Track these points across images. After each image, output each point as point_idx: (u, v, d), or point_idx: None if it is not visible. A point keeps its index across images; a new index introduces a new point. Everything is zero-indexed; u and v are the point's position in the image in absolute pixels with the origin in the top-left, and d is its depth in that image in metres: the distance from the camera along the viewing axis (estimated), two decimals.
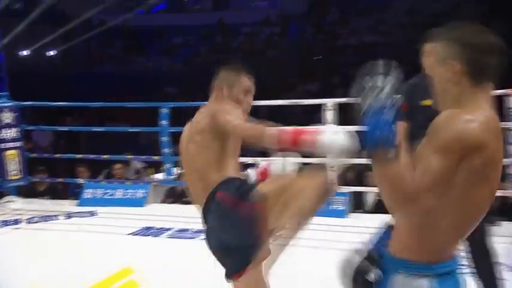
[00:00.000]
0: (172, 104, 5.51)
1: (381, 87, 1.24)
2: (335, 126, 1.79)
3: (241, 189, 2.05)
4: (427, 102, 2.65)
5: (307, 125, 5.23)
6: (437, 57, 1.48)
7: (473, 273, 2.64)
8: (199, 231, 4.46)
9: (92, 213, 5.28)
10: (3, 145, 5.64)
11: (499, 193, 4.14)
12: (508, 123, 3.76)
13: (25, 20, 13.37)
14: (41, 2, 14.53)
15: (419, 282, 1.32)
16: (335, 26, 17.32)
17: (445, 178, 1.26)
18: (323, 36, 17.01)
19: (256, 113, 9.62)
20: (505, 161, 3.62)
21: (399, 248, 1.39)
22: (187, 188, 2.22)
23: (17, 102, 5.86)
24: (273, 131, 1.84)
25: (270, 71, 15.74)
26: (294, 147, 1.81)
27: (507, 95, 3.82)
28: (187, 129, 2.21)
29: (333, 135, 1.77)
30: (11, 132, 5.72)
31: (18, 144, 5.78)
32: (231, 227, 2.00)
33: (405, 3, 16.22)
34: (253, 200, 1.99)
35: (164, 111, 5.31)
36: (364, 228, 4.22)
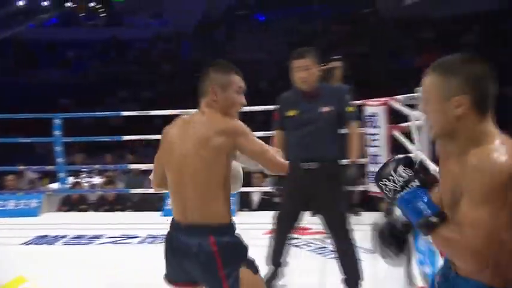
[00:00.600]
0: (63, 115, 5.25)
1: (398, 177, 1.27)
2: None
3: (235, 252, 1.82)
4: (291, 112, 2.88)
5: None
6: (438, 94, 1.27)
7: (336, 256, 2.89)
8: (95, 237, 4.30)
9: None
10: None
11: (360, 188, 4.50)
12: (367, 129, 4.07)
13: None
14: None
15: None
16: (223, 43, 17.57)
17: (504, 225, 1.17)
18: (213, 51, 17.18)
19: (153, 121, 9.48)
20: (363, 160, 3.92)
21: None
22: (174, 196, 1.90)
23: None
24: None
25: (166, 83, 15.57)
26: None
27: (364, 105, 4.14)
28: (185, 136, 1.84)
29: None
30: None
31: None
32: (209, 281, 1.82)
33: (283, 23, 16.92)
34: (236, 277, 1.78)
35: (57, 121, 5.04)
36: (251, 224, 4.34)
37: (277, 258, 3.03)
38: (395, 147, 3.98)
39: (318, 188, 2.83)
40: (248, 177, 5.90)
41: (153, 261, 3.60)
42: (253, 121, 10.82)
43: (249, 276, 1.79)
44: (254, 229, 4.17)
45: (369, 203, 4.80)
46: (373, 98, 4.16)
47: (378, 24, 15.40)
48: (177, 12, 18.00)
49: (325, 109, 2.80)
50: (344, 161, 2.96)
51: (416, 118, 3.56)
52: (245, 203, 5.25)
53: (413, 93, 4.13)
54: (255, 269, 1.82)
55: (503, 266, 1.22)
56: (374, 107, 4.05)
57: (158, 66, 16.78)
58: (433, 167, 2.14)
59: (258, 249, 3.65)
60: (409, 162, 1.30)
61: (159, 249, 3.98)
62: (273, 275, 3.02)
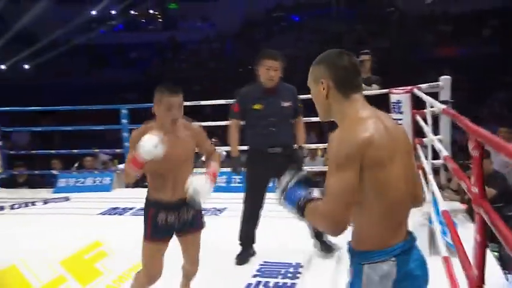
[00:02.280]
0: (129, 106, 5.37)
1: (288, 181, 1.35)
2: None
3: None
4: (257, 106, 2.89)
5: None
6: (311, 78, 1.35)
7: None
8: None
9: (66, 199, 5.04)
10: None
11: None
12: (392, 114, 3.94)
13: (1, 40, 12.49)
14: (13, 26, 13.63)
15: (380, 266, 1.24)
16: (262, 42, 17.43)
17: (350, 190, 1.18)
18: (253, 50, 17.08)
19: (202, 111, 9.55)
20: None
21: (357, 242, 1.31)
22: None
23: None
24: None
25: (212, 78, 15.67)
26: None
27: (390, 93, 4.01)
28: None
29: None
30: None
31: None
32: None
33: (315, 23, 16.61)
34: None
35: (124, 112, 5.15)
36: None
37: (251, 237, 3.04)
38: (418, 130, 3.84)
39: (281, 168, 2.82)
40: None
41: (207, 229, 3.66)
42: None
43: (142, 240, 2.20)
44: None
45: None
46: (395, 88, 4.02)
47: (400, 21, 14.83)
48: (222, 16, 17.97)
49: (286, 104, 2.89)
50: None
51: (431, 105, 3.40)
52: None
53: (434, 82, 3.97)
54: (144, 237, 2.20)
55: (367, 229, 1.25)
56: (399, 95, 3.91)
57: (206, 64, 16.90)
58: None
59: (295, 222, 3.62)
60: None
61: (210, 220, 4.01)
62: (248, 253, 3.03)
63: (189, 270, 2.35)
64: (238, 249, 3.05)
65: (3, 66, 14.39)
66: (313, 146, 5.53)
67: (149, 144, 1.90)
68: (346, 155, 1.18)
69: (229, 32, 17.70)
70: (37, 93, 13.06)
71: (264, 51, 2.91)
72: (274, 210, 3.80)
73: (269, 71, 2.81)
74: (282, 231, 3.39)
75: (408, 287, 1.23)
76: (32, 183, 5.96)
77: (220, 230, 3.57)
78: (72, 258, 3.15)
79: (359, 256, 1.27)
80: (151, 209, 2.19)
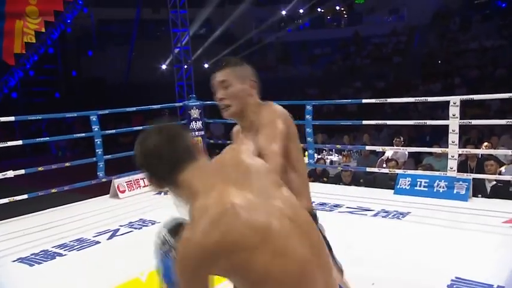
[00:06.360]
0: (314, 102, 5.51)
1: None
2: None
3: None
4: None
5: (429, 118, 4.75)
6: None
7: None
8: (336, 206, 4.39)
9: None
10: (192, 134, 6.17)
11: None
12: None
13: (206, 42, 14.48)
14: (217, 28, 15.61)
15: None
16: (457, 33, 15.77)
17: None
18: (445, 42, 15.60)
19: (384, 109, 9.20)
20: None
21: None
22: None
23: (201, 102, 6.33)
24: None
25: (396, 74, 14.93)
26: None
27: None
28: None
29: None
30: (197, 124, 6.22)
31: (202, 133, 6.28)
32: None
33: None
34: None
35: (308, 107, 5.32)
36: (484, 211, 3.80)
37: None
38: None
39: None
40: (482, 165, 5.18)
41: (387, 232, 3.52)
42: (489, 109, 9.45)
43: None
44: (490, 216, 3.67)
45: None
46: None
47: None
48: (413, 7, 16.93)
49: None
50: None
51: None
52: (478, 189, 4.63)
53: None
54: None
55: None
56: None
57: (389, 58, 16.21)
58: None
59: (496, 237, 3.18)
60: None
61: (392, 223, 3.86)
62: None
63: None
64: (422, 257, 2.86)
65: (206, 65, 16.64)
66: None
67: None
68: None
69: (419, 23, 16.59)
70: None
71: None
72: (475, 222, 3.47)
73: None
74: (482, 245, 3.05)
75: None
76: None
77: (403, 237, 3.42)
78: None
79: None
80: None
